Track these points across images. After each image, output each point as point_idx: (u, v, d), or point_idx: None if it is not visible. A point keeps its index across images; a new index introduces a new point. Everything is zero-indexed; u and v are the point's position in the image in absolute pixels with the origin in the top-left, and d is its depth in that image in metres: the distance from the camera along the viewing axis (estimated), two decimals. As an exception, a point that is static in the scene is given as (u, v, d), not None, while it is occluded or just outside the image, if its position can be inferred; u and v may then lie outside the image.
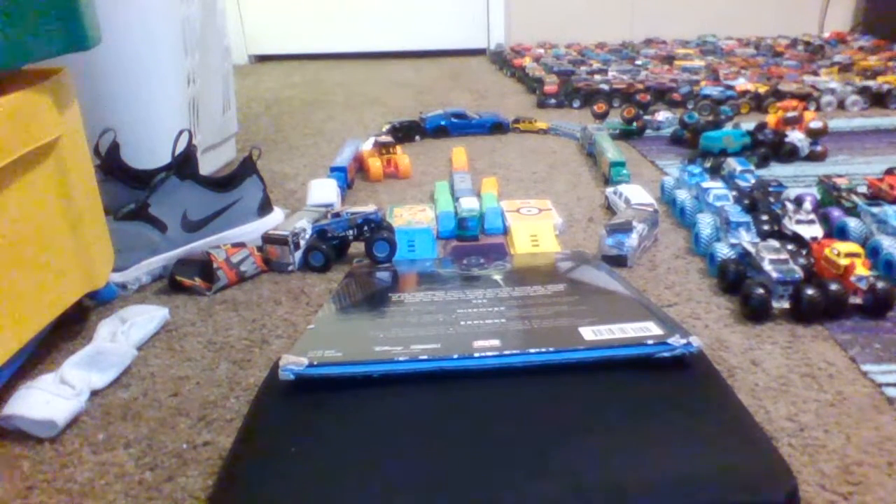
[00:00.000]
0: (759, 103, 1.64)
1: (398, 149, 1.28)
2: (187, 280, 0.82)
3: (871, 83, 1.70)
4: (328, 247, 0.86)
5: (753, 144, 1.23)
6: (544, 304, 0.68)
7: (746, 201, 0.91)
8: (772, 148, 1.24)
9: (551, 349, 0.59)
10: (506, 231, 0.97)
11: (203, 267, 0.83)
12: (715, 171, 1.10)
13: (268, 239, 0.87)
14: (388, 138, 1.31)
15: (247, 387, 0.64)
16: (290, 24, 2.85)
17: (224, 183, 0.93)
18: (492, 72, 2.47)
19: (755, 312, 0.70)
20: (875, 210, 0.86)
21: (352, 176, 1.22)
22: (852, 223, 0.86)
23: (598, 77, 1.94)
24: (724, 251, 0.80)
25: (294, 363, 0.55)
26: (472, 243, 0.93)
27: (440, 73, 2.47)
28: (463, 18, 2.88)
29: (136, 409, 0.61)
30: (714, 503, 0.44)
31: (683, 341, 0.55)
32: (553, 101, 1.80)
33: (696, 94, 1.70)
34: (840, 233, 0.86)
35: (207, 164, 1.24)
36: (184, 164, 0.88)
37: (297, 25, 2.86)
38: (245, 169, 0.95)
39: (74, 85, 0.69)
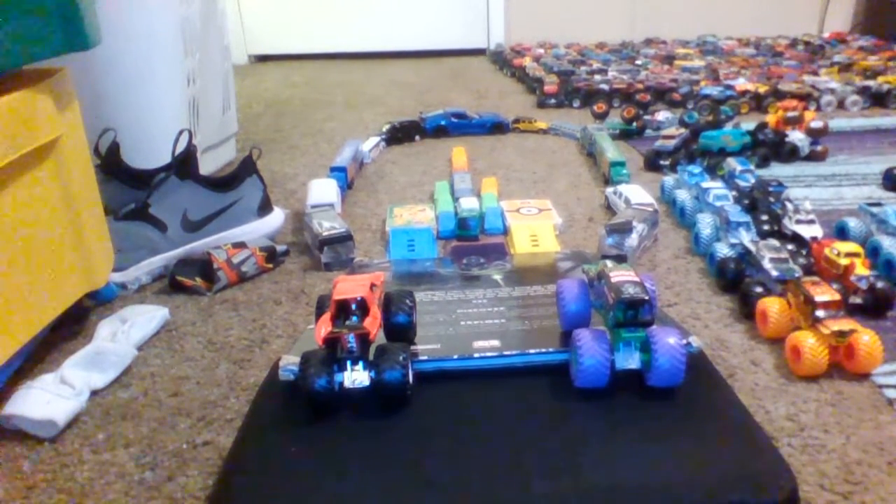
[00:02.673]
0: (759, 103, 1.64)
1: None
2: (188, 280, 0.82)
3: (870, 83, 1.70)
4: None
5: (754, 144, 1.23)
6: (544, 304, 0.68)
7: (746, 201, 0.91)
8: (772, 148, 1.24)
9: (551, 349, 0.59)
10: (506, 231, 0.97)
11: (203, 267, 0.83)
12: (711, 171, 1.10)
13: (327, 241, 0.87)
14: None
15: (247, 387, 0.64)
16: (290, 24, 2.85)
17: (224, 183, 0.93)
18: (492, 72, 2.47)
19: (754, 311, 0.70)
20: (875, 210, 0.86)
21: (352, 176, 1.22)
22: (852, 223, 0.86)
23: (598, 77, 1.94)
24: (723, 251, 0.80)
25: (294, 363, 0.55)
26: (472, 243, 0.93)
27: (440, 73, 2.47)
28: (463, 18, 2.88)
29: (136, 409, 0.61)
30: (714, 503, 0.44)
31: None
32: (553, 100, 1.80)
33: (696, 94, 1.70)
34: (840, 233, 0.86)
35: (207, 164, 1.24)
36: (184, 164, 0.88)
37: (297, 25, 2.85)
38: (245, 169, 0.95)
39: (74, 85, 0.69)
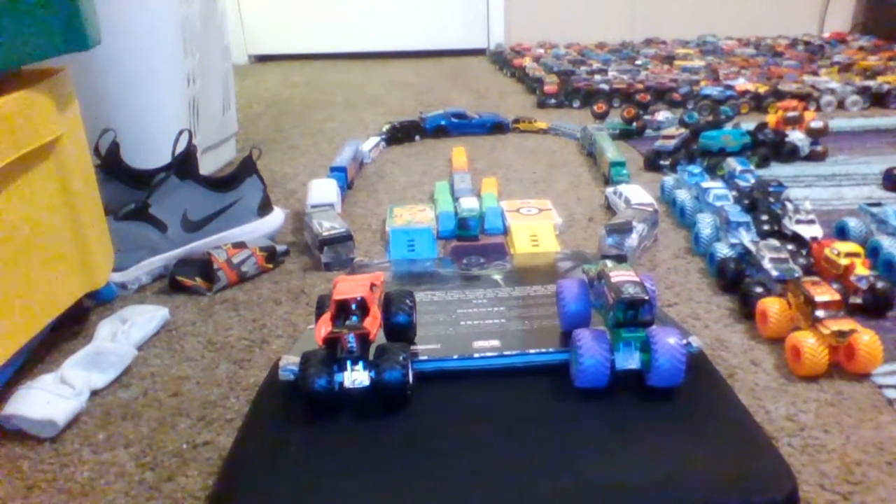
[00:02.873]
0: (758, 103, 1.64)
1: None
2: (188, 280, 0.82)
3: (870, 83, 1.70)
4: None
5: (754, 144, 1.23)
6: (544, 304, 0.68)
7: (746, 201, 0.91)
8: (772, 148, 1.24)
9: (551, 349, 0.59)
10: (506, 231, 0.97)
11: (203, 267, 0.83)
12: (711, 171, 1.10)
13: (327, 241, 0.87)
14: None
15: (247, 387, 0.64)
16: (290, 24, 2.85)
17: (224, 183, 0.93)
18: (492, 72, 2.47)
19: (754, 311, 0.70)
20: (875, 210, 0.86)
21: (352, 176, 1.22)
22: (852, 223, 0.86)
23: (598, 77, 1.94)
24: (723, 251, 0.80)
25: (294, 363, 0.55)
26: (472, 243, 0.93)
27: (440, 73, 2.47)
28: (463, 18, 2.88)
29: (136, 409, 0.61)
30: (714, 503, 0.44)
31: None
32: (553, 100, 1.80)
33: (696, 94, 1.70)
34: (840, 233, 0.86)
35: (207, 164, 1.24)
36: (184, 164, 0.88)
37: (297, 25, 2.85)
38: (245, 169, 0.95)
39: (74, 85, 0.69)
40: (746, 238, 0.80)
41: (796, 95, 1.63)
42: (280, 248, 0.90)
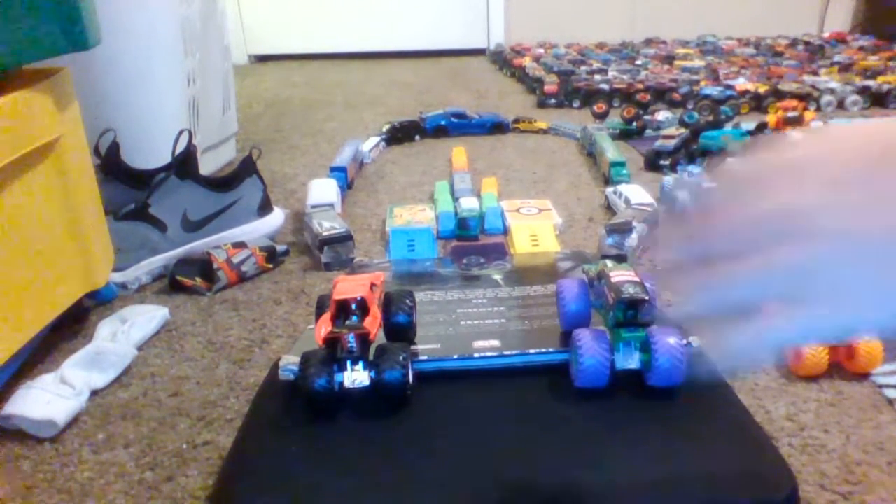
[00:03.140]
0: (759, 103, 1.64)
1: None
2: (188, 280, 0.82)
3: (870, 83, 1.70)
4: None
5: (754, 144, 1.23)
6: (544, 304, 0.68)
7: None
8: (772, 148, 1.24)
9: (551, 349, 0.59)
10: (506, 231, 0.97)
11: (203, 267, 0.83)
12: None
13: (327, 241, 0.87)
14: None
15: (247, 387, 0.64)
16: (290, 24, 2.85)
17: (224, 183, 0.93)
18: (492, 72, 2.47)
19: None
20: None
21: (352, 176, 1.22)
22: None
23: (598, 77, 1.94)
24: (724, 251, 0.80)
25: (294, 363, 0.55)
26: (472, 243, 0.93)
27: (440, 73, 2.47)
28: (463, 18, 2.88)
29: (136, 409, 0.61)
30: (714, 503, 0.44)
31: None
32: (553, 100, 1.80)
33: (696, 94, 1.70)
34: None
35: (207, 164, 1.24)
36: (184, 164, 0.88)
37: (297, 25, 2.86)
38: (245, 169, 0.95)
39: (74, 85, 0.69)
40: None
41: (796, 95, 1.63)
42: (280, 248, 0.90)
